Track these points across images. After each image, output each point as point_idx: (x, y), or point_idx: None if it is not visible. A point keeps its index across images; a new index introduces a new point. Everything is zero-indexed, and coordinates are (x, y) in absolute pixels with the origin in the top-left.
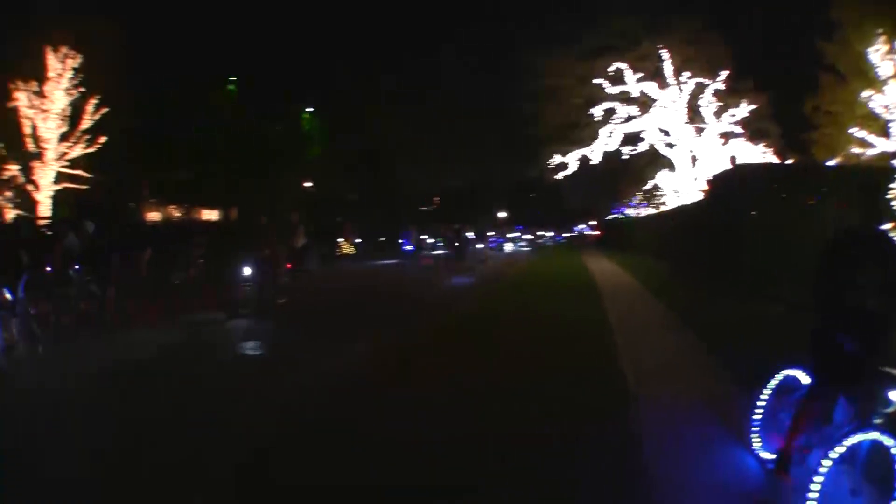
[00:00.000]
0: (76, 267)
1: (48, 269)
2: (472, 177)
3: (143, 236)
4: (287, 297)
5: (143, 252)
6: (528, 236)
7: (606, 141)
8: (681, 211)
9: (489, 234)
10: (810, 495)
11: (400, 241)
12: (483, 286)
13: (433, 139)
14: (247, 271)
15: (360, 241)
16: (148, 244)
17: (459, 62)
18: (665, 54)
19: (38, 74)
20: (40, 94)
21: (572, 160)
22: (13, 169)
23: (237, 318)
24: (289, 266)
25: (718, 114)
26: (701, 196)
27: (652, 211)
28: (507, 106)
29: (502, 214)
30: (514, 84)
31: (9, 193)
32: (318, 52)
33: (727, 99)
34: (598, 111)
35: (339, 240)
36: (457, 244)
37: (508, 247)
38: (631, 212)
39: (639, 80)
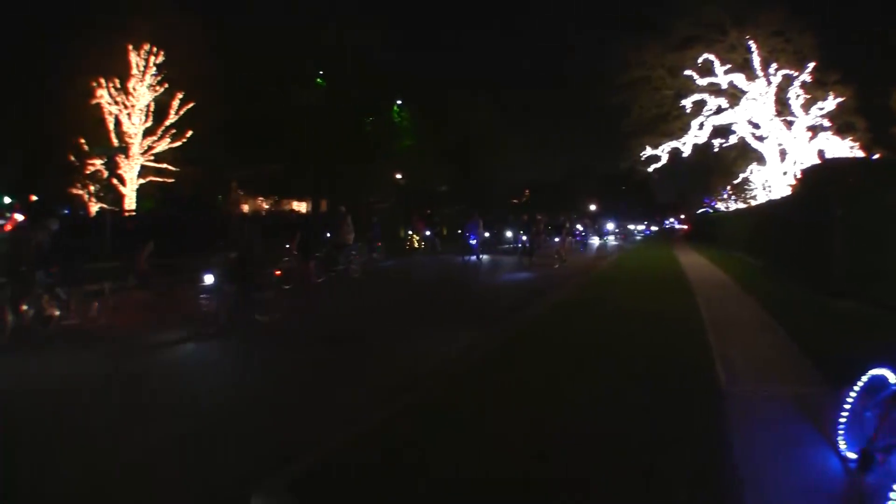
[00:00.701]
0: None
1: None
2: (564, 169)
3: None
4: (276, 313)
5: (143, 247)
6: (617, 229)
7: (697, 133)
8: (771, 206)
9: (576, 226)
10: (892, 495)
11: (466, 234)
12: (564, 282)
13: (524, 131)
14: (208, 279)
15: (429, 233)
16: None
17: (552, 53)
18: (752, 45)
19: (120, 72)
20: (124, 91)
21: (663, 152)
22: (97, 164)
23: (198, 339)
24: (278, 273)
25: (806, 107)
26: (790, 191)
27: (741, 205)
28: (598, 98)
29: (592, 207)
30: (606, 75)
31: (93, 188)
32: (409, 42)
33: (814, 91)
34: (688, 103)
35: (408, 232)
36: (525, 237)
37: (596, 241)
38: (720, 206)
39: (727, 72)
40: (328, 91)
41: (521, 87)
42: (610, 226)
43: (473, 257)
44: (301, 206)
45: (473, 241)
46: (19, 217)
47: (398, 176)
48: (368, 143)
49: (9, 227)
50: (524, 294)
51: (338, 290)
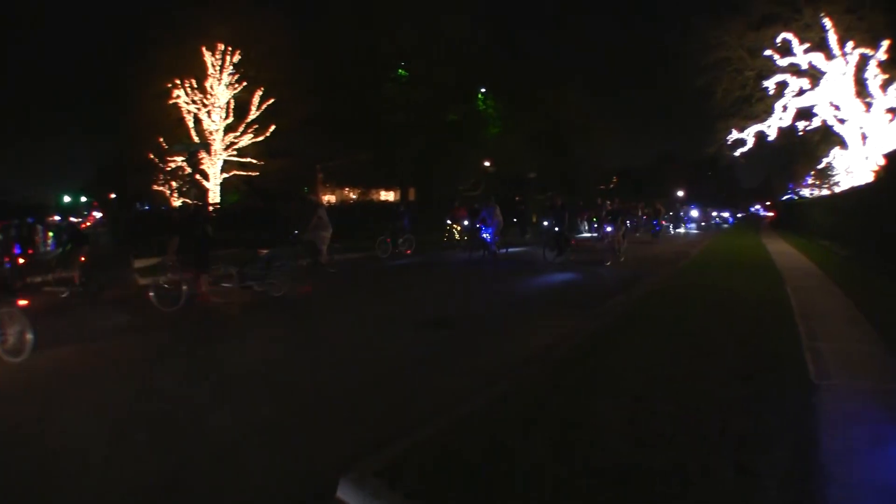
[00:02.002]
0: None
1: None
2: (652, 155)
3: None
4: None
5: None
6: (702, 216)
7: (780, 116)
8: (854, 192)
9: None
10: None
11: (476, 224)
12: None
13: (611, 117)
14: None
15: (467, 223)
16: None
17: (636, 36)
18: (826, 23)
19: (197, 72)
20: (201, 90)
21: (748, 136)
22: (178, 160)
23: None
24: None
25: (884, 87)
26: (872, 176)
27: (825, 192)
28: (682, 81)
29: (680, 193)
30: (689, 57)
31: (175, 184)
32: (493, 30)
33: (891, 71)
34: (770, 84)
35: (447, 222)
36: (556, 228)
37: (680, 229)
38: (805, 192)
39: (805, 51)
40: (412, 80)
41: (607, 72)
42: (694, 213)
43: (480, 253)
44: (389, 196)
45: (487, 234)
46: (97, 214)
47: (486, 163)
48: (454, 131)
49: (88, 224)
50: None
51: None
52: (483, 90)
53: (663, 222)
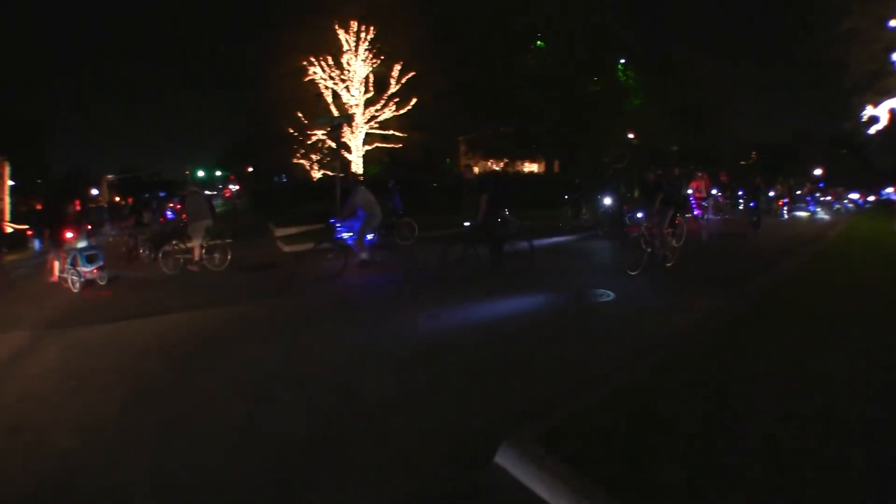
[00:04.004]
0: None
1: None
2: (788, 131)
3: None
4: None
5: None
6: (828, 198)
7: None
8: None
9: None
10: None
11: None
12: None
13: (750, 91)
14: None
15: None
16: None
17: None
18: None
19: (332, 49)
20: (338, 66)
21: (882, 113)
22: (318, 134)
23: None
24: None
25: None
26: None
27: None
28: (812, 53)
29: (817, 172)
30: (819, 27)
31: (316, 156)
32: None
33: None
34: None
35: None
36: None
37: (801, 213)
38: None
39: None
40: (552, 50)
41: (744, 44)
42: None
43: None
44: (533, 168)
45: (346, 232)
46: (234, 187)
47: (630, 136)
48: (594, 102)
49: (227, 195)
50: None
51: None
52: (622, 61)
53: (781, 203)
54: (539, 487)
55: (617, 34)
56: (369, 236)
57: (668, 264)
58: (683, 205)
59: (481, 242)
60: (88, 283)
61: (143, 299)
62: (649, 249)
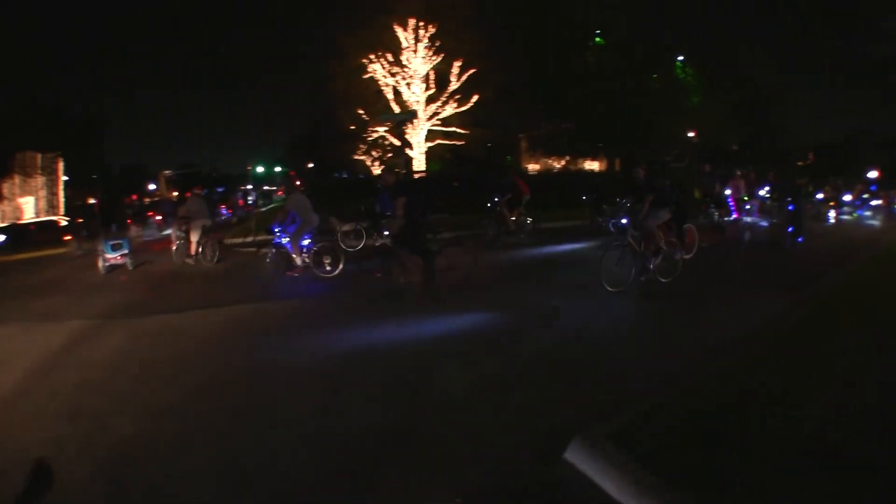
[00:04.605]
0: None
1: None
2: (845, 130)
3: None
4: None
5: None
6: (879, 202)
7: None
8: None
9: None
10: None
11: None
12: None
13: (806, 91)
14: None
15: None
16: None
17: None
18: None
19: (392, 46)
20: (398, 63)
21: None
22: (379, 130)
23: None
24: None
25: None
26: None
27: None
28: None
29: (872, 174)
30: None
31: (377, 153)
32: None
33: None
34: None
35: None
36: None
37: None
38: None
39: None
40: (610, 47)
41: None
42: (847, 197)
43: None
44: (594, 166)
45: (283, 237)
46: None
47: (690, 134)
48: (654, 99)
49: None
50: None
51: None
52: (681, 58)
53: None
54: (608, 484)
55: (675, 30)
56: (305, 241)
57: (665, 280)
58: (685, 208)
59: (406, 253)
60: (117, 268)
61: (197, 291)
62: (642, 262)
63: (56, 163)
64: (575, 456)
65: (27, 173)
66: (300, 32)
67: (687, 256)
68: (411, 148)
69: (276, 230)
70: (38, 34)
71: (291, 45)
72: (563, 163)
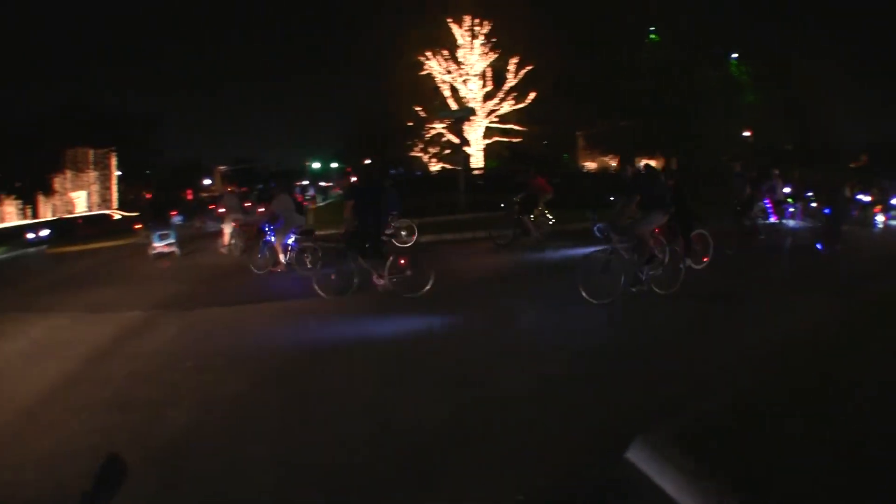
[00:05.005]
0: None
1: None
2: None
3: None
4: None
5: None
6: None
7: None
8: None
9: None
10: None
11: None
12: None
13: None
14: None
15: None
16: None
17: None
18: None
19: (447, 44)
20: (454, 60)
21: None
22: (438, 128)
23: None
24: None
25: None
26: None
27: None
28: None
29: None
30: None
31: (435, 149)
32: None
33: None
34: None
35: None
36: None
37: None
38: None
39: None
40: (665, 45)
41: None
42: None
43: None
44: (652, 163)
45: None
46: (353, 179)
47: (746, 133)
48: (708, 98)
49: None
50: None
51: None
52: (735, 56)
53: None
54: (669, 486)
55: (730, 27)
56: (289, 240)
57: (662, 291)
58: (692, 213)
59: (364, 257)
60: (164, 256)
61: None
62: (633, 271)
63: (108, 158)
64: (636, 455)
65: (79, 168)
66: (357, 29)
67: (696, 266)
68: (469, 145)
69: (266, 229)
70: (100, 33)
71: (348, 42)
72: (617, 161)
